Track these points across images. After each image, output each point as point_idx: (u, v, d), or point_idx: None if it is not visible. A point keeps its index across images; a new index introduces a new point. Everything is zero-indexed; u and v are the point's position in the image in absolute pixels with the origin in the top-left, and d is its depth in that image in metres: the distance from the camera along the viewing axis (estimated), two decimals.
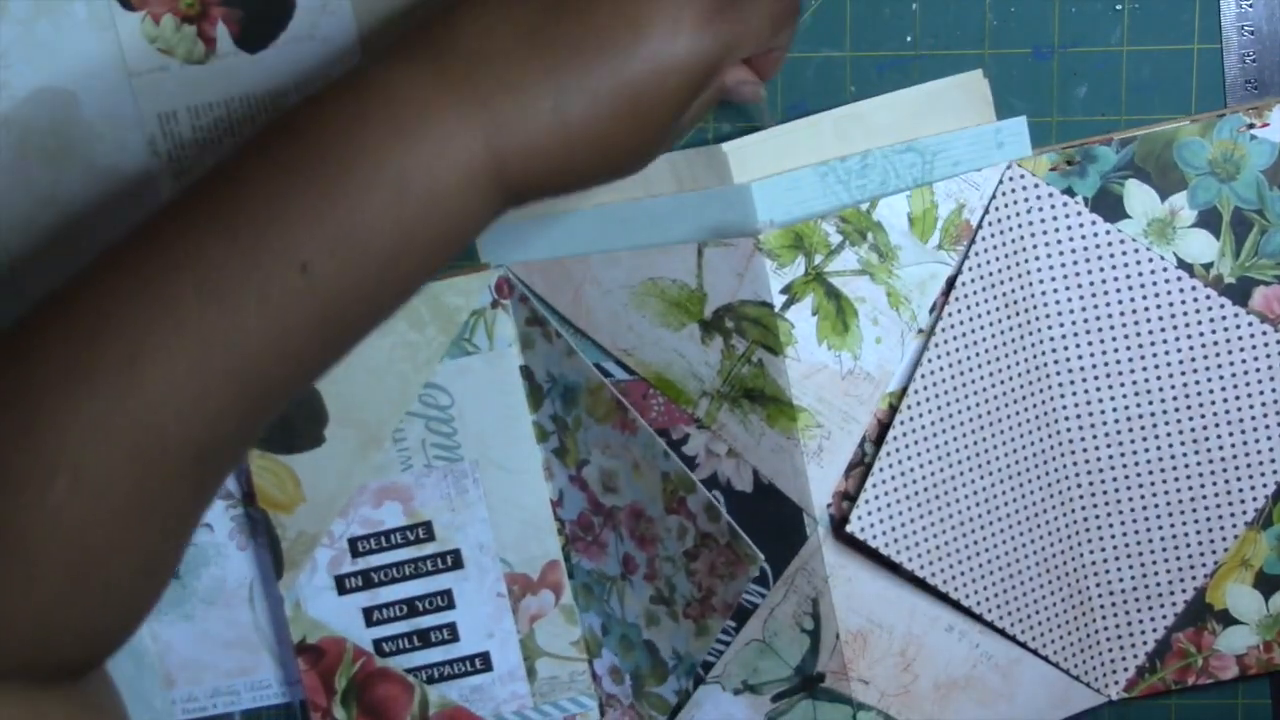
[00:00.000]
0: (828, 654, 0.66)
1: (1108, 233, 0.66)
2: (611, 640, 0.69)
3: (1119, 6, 0.67)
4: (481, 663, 0.69)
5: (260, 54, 0.65)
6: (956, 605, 0.66)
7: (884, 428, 0.65)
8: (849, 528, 0.64)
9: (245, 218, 0.49)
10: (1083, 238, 0.66)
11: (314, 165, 0.50)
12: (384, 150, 0.50)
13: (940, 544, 0.65)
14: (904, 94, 0.66)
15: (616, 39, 0.52)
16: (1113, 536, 0.68)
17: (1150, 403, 0.67)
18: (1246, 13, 0.67)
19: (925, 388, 0.65)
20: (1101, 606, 0.68)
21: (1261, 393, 0.67)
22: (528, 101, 0.52)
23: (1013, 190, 0.65)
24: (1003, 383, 0.66)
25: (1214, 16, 0.67)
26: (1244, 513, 0.68)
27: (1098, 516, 0.68)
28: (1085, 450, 0.67)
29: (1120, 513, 0.68)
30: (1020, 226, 0.66)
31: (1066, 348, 0.67)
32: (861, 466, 0.65)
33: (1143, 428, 0.67)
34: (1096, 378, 0.67)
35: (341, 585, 0.69)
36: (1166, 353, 0.67)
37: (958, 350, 0.65)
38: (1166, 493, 0.68)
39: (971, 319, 0.65)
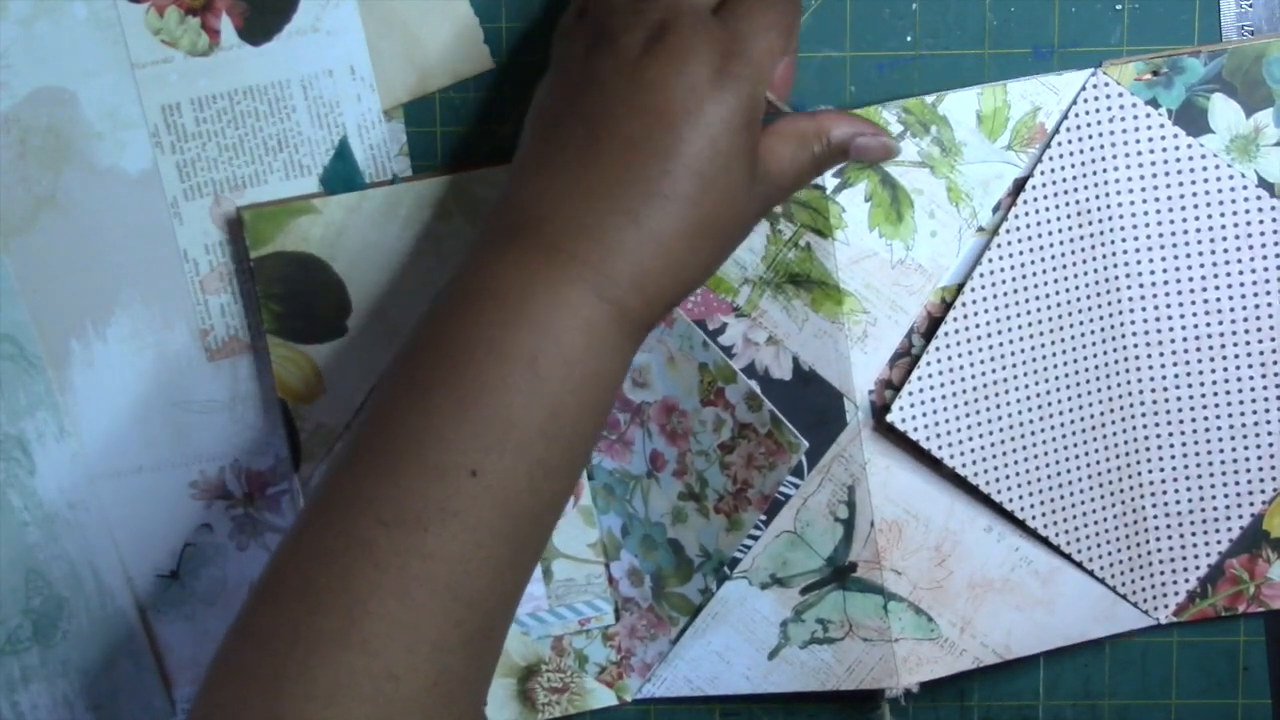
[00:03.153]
0: (861, 543, 0.66)
1: (1189, 147, 0.65)
2: (632, 541, 0.68)
3: (1119, 6, 0.66)
4: None
5: (264, 46, 0.65)
6: (997, 507, 0.66)
7: (934, 321, 0.65)
8: (889, 417, 0.64)
9: (404, 447, 0.51)
10: (1164, 150, 0.65)
11: (449, 376, 0.51)
12: (506, 341, 0.51)
13: (986, 445, 0.65)
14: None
15: (655, 143, 0.53)
16: (1172, 457, 0.67)
17: (1220, 322, 0.66)
18: (1246, 13, 0.66)
19: (984, 286, 0.64)
20: (1156, 528, 0.67)
21: None
22: (615, 240, 0.52)
23: (1095, 97, 0.64)
24: (1068, 290, 0.65)
25: (1214, 16, 0.66)
26: None
27: (1158, 435, 0.67)
28: (1150, 367, 0.66)
29: (1182, 433, 0.66)
30: (1100, 135, 0.65)
31: (1139, 261, 0.65)
32: (907, 357, 0.65)
33: (1211, 348, 0.66)
34: (1168, 294, 0.66)
35: None
36: (1241, 272, 0.65)
37: (1023, 253, 0.64)
38: (1230, 415, 0.66)
39: (1040, 222, 0.65)
